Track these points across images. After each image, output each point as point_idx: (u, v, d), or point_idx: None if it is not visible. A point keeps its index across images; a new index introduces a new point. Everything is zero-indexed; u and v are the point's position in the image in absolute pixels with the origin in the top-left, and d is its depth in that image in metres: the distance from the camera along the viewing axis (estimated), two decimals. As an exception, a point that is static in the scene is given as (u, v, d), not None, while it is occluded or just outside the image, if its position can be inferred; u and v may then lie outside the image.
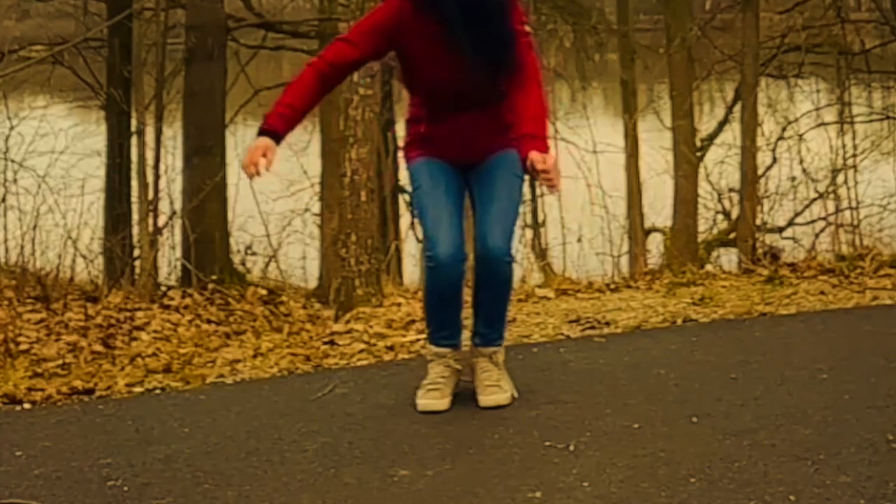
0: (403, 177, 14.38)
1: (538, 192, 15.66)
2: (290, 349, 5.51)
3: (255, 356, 5.44)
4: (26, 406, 4.71)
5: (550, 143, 4.13)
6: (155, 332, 6.03)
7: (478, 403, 4.20)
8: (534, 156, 3.95)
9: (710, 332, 5.29)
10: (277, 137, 4.01)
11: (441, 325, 4.29)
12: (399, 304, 6.26)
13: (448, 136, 4.20)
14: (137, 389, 4.94)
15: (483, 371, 4.28)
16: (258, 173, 3.96)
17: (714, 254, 13.95)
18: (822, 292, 6.10)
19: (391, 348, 5.37)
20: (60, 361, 5.38)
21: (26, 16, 15.88)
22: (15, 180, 10.93)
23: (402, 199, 14.75)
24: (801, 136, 14.59)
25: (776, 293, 6.12)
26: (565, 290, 6.60)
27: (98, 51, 13.15)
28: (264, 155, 3.95)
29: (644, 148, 14.13)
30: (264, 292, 7.44)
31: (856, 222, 12.98)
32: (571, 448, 3.76)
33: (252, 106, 14.22)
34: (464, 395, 4.32)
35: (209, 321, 6.46)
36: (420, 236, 4.28)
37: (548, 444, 3.81)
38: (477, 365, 4.31)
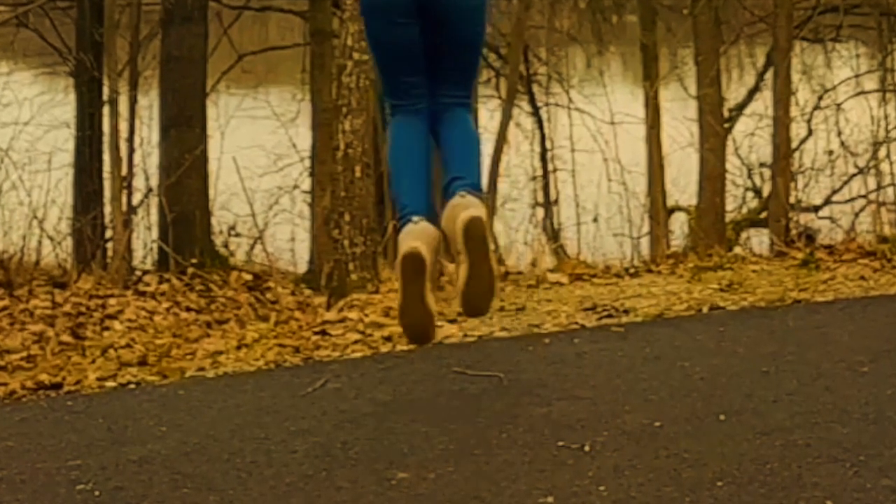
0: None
1: (550, 167, 15.68)
2: (278, 340, 5.51)
3: (238, 347, 5.44)
4: (-12, 402, 4.71)
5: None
6: (129, 321, 6.03)
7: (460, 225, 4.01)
8: None
9: (739, 321, 5.29)
10: None
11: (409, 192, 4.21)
12: (397, 291, 6.25)
13: None
14: (110, 384, 4.94)
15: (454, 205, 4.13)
16: None
17: (743, 235, 13.98)
18: (862, 277, 6.10)
19: (388, 339, 5.37)
20: (25, 353, 5.38)
21: (-13, -27, 15.86)
22: (-26, 154, 10.94)
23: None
24: (839, 105, 14.60)
25: (812, 278, 6.11)
26: (580, 274, 6.60)
27: (66, 12, 13.15)
28: None
29: (666, 119, 14.13)
30: (249, 277, 7.44)
31: (900, 200, 12.98)
32: (587, 448, 3.75)
33: (236, 72, 14.24)
34: (469, 392, 4.31)
35: (188, 309, 6.46)
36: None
37: (561, 444, 3.80)
38: (448, 208, 4.14)
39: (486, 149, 13.48)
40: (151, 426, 4.21)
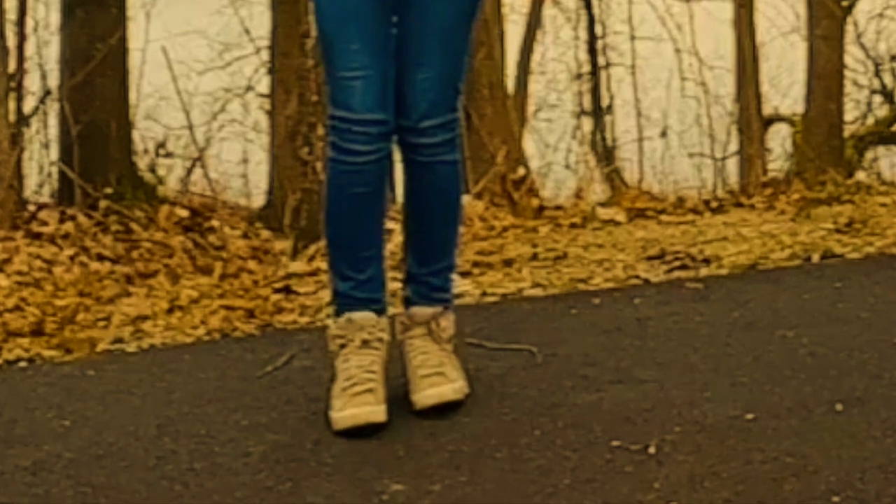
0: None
1: (601, 61, 15.64)
2: (225, 300, 5.53)
3: (170, 311, 5.47)
4: None
5: None
6: (18, 273, 6.05)
7: (412, 406, 4.07)
8: None
9: (861, 274, 5.29)
10: None
11: (355, 262, 4.12)
12: (388, 230, 6.26)
13: None
14: (-7, 361, 4.97)
15: (418, 353, 4.13)
16: None
17: (869, 155, 13.98)
18: None
19: (377, 299, 5.38)
20: None
21: None
22: None
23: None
24: None
25: (964, 215, 6.13)
26: (642, 210, 6.61)
27: None
28: None
29: (763, -6, 14.11)
30: (185, 214, 7.46)
31: None
32: (652, 450, 3.76)
33: (165, -71, 14.22)
34: (489, 372, 4.31)
35: (101, 258, 6.48)
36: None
37: (616, 444, 3.81)
38: (408, 344, 4.16)
39: (515, 37, 13.46)
40: (50, 419, 4.23)
